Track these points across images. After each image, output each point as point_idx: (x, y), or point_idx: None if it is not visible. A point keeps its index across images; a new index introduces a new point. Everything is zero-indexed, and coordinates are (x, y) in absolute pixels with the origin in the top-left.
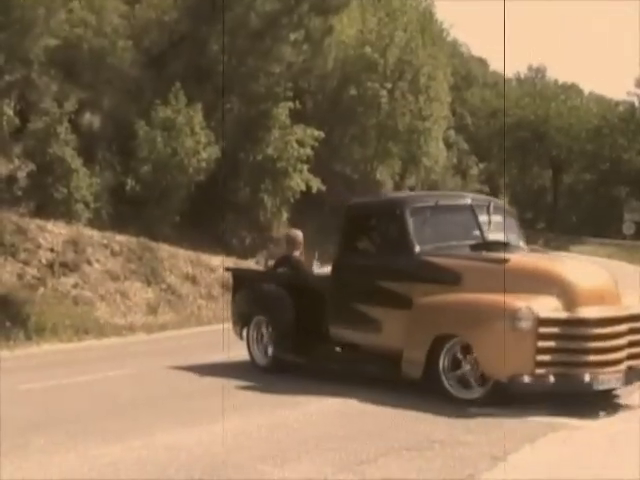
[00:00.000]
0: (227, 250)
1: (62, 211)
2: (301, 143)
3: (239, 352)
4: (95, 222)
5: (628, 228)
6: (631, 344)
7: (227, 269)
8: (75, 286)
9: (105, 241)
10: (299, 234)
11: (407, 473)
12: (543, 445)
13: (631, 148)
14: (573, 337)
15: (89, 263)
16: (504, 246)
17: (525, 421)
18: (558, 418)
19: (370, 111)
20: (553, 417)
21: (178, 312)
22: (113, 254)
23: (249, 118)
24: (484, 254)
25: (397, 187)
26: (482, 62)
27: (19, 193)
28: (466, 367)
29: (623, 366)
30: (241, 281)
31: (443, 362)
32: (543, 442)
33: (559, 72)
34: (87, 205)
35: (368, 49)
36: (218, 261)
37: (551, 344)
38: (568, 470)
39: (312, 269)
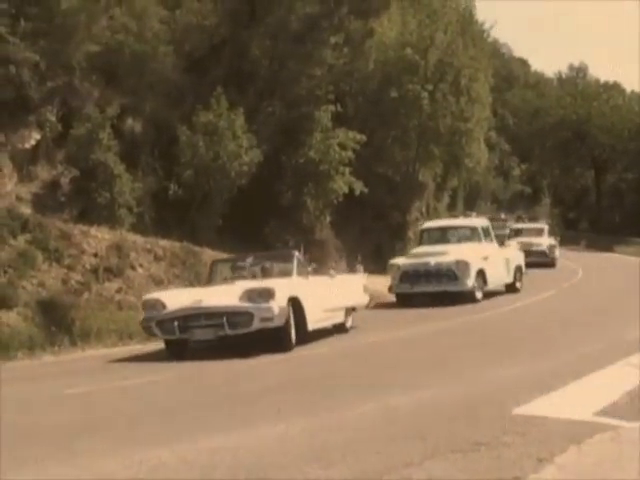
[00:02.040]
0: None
1: (105, 216)
2: (343, 146)
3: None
4: (138, 227)
5: None
6: None
7: None
8: (119, 291)
9: (148, 246)
10: None
11: (453, 475)
12: (589, 446)
13: None
14: None
15: (133, 268)
16: None
17: (568, 421)
18: (602, 418)
19: (411, 113)
20: (597, 417)
21: None
22: (156, 259)
23: (291, 121)
24: None
25: (439, 189)
26: (523, 62)
27: (62, 199)
28: None
29: None
30: None
31: None
32: (589, 443)
33: (601, 71)
34: (130, 210)
35: (409, 51)
36: None
37: None
38: (616, 471)
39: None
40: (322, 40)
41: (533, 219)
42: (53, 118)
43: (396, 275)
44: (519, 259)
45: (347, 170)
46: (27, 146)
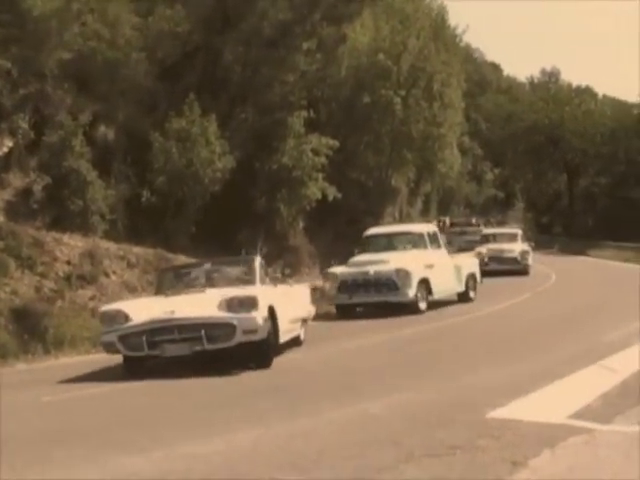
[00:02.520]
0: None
1: (78, 223)
2: (316, 152)
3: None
4: (111, 234)
5: None
6: None
7: None
8: (92, 298)
9: (122, 253)
10: None
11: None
12: (563, 449)
13: None
14: None
15: (106, 275)
16: None
17: (543, 425)
18: (576, 421)
19: (384, 118)
20: (571, 419)
21: None
22: (130, 266)
23: (264, 127)
24: None
25: (412, 194)
26: (495, 67)
27: (35, 206)
28: None
29: None
30: None
31: None
32: (563, 446)
33: (573, 75)
34: (103, 217)
35: (381, 56)
36: None
37: None
38: (590, 474)
39: None
40: (295, 46)
41: (501, 223)
42: (25, 125)
43: (334, 285)
44: (472, 267)
45: (320, 176)
46: None
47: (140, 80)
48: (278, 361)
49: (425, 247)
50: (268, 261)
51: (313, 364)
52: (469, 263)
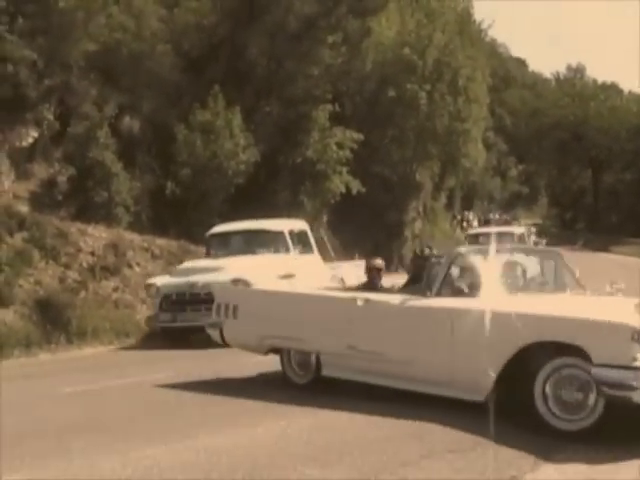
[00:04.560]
0: None
1: (102, 215)
2: (340, 145)
3: None
4: (135, 225)
5: None
6: None
7: None
8: (116, 289)
9: (145, 244)
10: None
11: (449, 475)
12: (587, 446)
13: None
14: None
15: (130, 266)
16: None
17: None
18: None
19: (409, 112)
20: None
21: None
22: (153, 257)
23: (288, 121)
24: None
25: (436, 188)
26: (521, 62)
27: (59, 197)
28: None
29: None
30: None
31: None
32: (586, 443)
33: (598, 72)
34: (127, 209)
35: (407, 50)
36: None
37: None
38: (614, 470)
39: None
40: (320, 39)
41: (507, 222)
42: (51, 116)
43: (156, 301)
44: (360, 277)
45: (344, 169)
46: (24, 144)
47: (165, 72)
48: None
49: (286, 250)
50: None
51: None
52: (355, 273)
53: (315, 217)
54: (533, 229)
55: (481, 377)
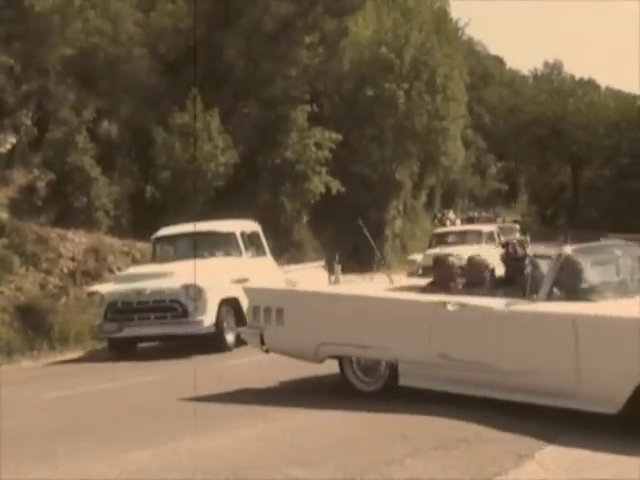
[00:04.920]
0: None
1: (82, 220)
2: (319, 145)
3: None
4: (115, 230)
5: None
6: None
7: None
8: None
9: (126, 248)
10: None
11: (434, 473)
12: (570, 442)
13: None
14: None
15: (110, 271)
16: None
17: (548, 418)
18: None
19: (387, 112)
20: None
21: None
22: (134, 261)
23: (267, 122)
24: None
25: (416, 187)
26: (498, 60)
27: (39, 203)
28: None
29: None
30: None
31: None
32: (569, 439)
33: (575, 68)
34: (107, 213)
35: (384, 49)
36: None
37: None
38: (598, 467)
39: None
40: (297, 40)
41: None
42: (29, 122)
43: (100, 310)
44: (316, 282)
45: (324, 170)
46: (2, 150)
47: (142, 76)
48: None
49: (238, 253)
50: (273, 255)
51: None
52: (311, 277)
53: (295, 218)
54: (517, 226)
55: (615, 388)
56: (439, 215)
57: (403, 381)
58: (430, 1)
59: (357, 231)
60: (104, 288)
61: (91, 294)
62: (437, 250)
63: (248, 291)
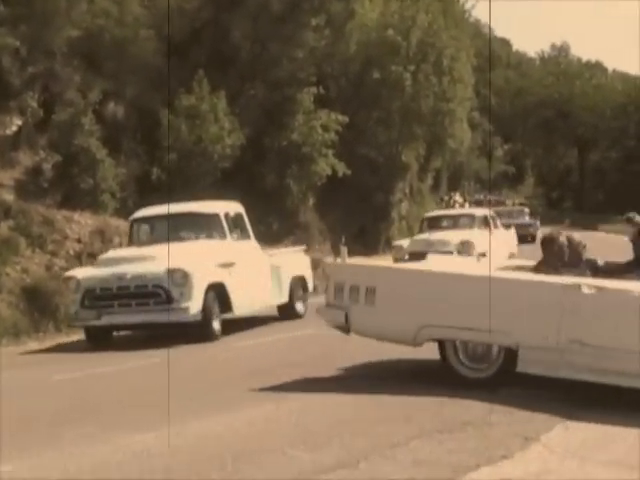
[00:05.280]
0: (255, 236)
1: (88, 201)
2: (326, 128)
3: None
4: (122, 212)
5: None
6: None
7: None
8: None
9: None
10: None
11: (439, 456)
12: (576, 425)
13: None
14: None
15: None
16: None
17: (553, 401)
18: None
19: (394, 94)
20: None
21: None
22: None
23: (273, 104)
24: None
25: (422, 169)
26: (505, 42)
27: (45, 185)
28: None
29: None
30: None
31: None
32: (575, 422)
33: (582, 50)
34: (113, 195)
35: (390, 32)
36: None
37: None
38: (604, 450)
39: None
40: (303, 22)
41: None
42: (34, 104)
43: (76, 296)
44: (299, 267)
45: (330, 152)
46: (8, 132)
47: (149, 57)
48: None
49: (223, 236)
50: (279, 237)
51: None
52: (294, 261)
53: (301, 200)
54: (526, 209)
55: None
56: (446, 198)
57: (522, 367)
58: None
59: (363, 213)
60: (80, 273)
61: (66, 279)
62: (426, 235)
63: (331, 267)
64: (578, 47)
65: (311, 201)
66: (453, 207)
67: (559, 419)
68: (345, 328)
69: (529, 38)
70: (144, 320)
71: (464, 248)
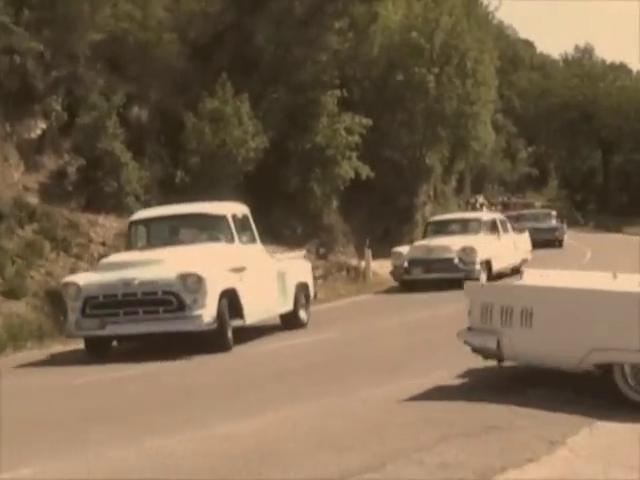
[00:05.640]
0: (279, 240)
1: (112, 205)
2: (349, 130)
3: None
4: None
5: None
6: None
7: None
8: None
9: None
10: None
11: (465, 459)
12: (602, 428)
13: None
14: None
15: None
16: None
17: (579, 404)
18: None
19: (417, 96)
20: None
21: None
22: None
23: (297, 107)
24: None
25: (446, 172)
26: (529, 44)
27: (69, 188)
28: None
29: None
30: None
31: None
32: (601, 425)
33: (607, 52)
34: (137, 198)
35: (414, 34)
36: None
37: None
38: (631, 454)
39: None
40: (327, 25)
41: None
42: (59, 107)
43: (76, 304)
44: (302, 274)
45: (354, 155)
46: (33, 136)
47: (172, 61)
48: None
49: (230, 239)
50: (303, 240)
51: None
52: (296, 267)
53: (325, 203)
54: (553, 212)
55: None
56: (472, 200)
57: None
58: None
59: (387, 216)
60: (81, 278)
61: (66, 285)
62: (426, 241)
63: (476, 287)
64: (602, 48)
65: (335, 204)
66: (481, 209)
67: (585, 422)
68: (498, 354)
69: (553, 40)
70: (153, 329)
71: (465, 254)
